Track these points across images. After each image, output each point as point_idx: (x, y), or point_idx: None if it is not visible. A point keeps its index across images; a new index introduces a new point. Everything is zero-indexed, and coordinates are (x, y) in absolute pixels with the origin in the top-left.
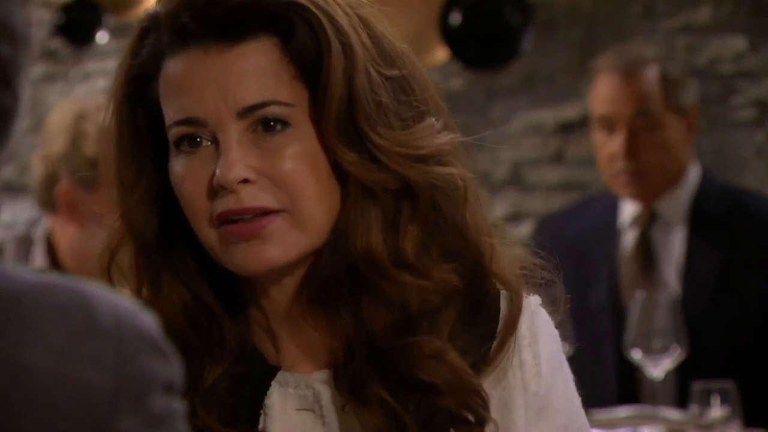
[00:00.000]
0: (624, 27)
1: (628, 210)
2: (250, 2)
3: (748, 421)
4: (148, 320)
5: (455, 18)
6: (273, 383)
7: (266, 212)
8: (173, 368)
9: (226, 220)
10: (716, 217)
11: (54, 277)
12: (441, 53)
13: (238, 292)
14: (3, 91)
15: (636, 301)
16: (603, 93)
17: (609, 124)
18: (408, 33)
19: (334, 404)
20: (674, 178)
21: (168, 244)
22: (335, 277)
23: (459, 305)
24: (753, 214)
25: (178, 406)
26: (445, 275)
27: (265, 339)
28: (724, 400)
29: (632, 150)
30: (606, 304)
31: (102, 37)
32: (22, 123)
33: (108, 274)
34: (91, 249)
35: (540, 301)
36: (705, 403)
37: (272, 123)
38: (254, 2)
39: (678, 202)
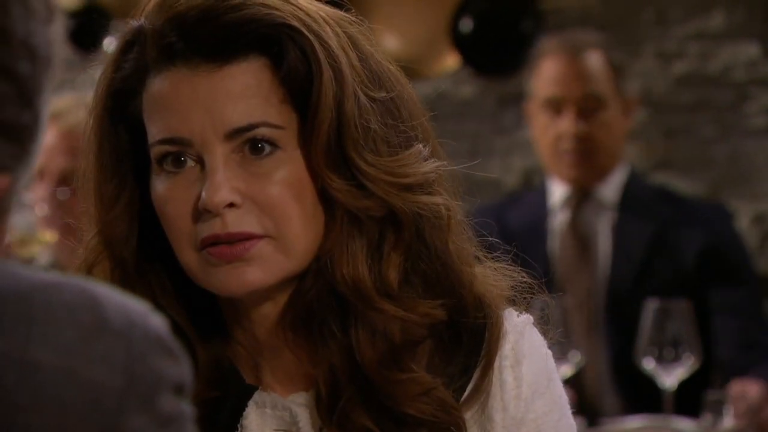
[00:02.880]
0: (636, 33)
1: (558, 192)
2: (241, 23)
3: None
4: (158, 321)
5: (466, 24)
6: (250, 403)
7: (250, 237)
8: (183, 370)
9: (209, 243)
10: (645, 202)
11: (62, 277)
12: (452, 60)
13: (219, 312)
14: (23, 108)
15: (648, 310)
16: (550, 75)
17: (556, 106)
18: (419, 39)
19: (313, 427)
20: (612, 162)
21: (145, 262)
22: (320, 304)
23: (440, 337)
24: (679, 201)
25: (187, 408)
26: (429, 309)
27: (245, 359)
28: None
29: (581, 130)
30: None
31: (110, 43)
32: (42, 141)
33: None
34: None
35: (531, 320)
36: (718, 412)
37: (260, 145)
38: (245, 23)
39: (611, 185)
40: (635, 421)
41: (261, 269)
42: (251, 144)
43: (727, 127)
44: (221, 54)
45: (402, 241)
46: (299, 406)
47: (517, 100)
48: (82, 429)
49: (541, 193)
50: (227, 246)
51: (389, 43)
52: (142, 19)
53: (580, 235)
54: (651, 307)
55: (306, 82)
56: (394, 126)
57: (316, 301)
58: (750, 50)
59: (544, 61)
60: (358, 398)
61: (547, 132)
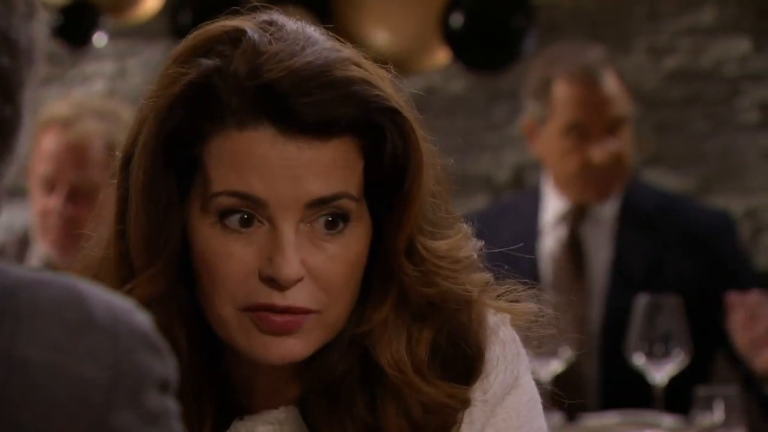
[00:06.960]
0: (628, 28)
1: (553, 208)
2: (344, 102)
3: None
4: (143, 318)
5: (457, 19)
6: None
7: (306, 312)
8: (169, 366)
9: (261, 309)
10: (646, 216)
11: (48, 274)
12: (442, 55)
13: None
14: (4, 102)
15: (638, 305)
16: (572, 99)
17: (582, 131)
18: (409, 34)
19: None
20: (629, 175)
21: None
22: (347, 379)
23: None
24: (682, 214)
25: (173, 405)
26: (455, 392)
27: (234, 385)
28: (728, 406)
29: (614, 159)
30: None
31: (99, 38)
32: (26, 136)
33: None
34: None
35: (506, 320)
36: (707, 408)
37: (337, 221)
38: (348, 103)
39: (610, 200)
40: (613, 416)
41: (304, 343)
42: (326, 218)
43: (718, 122)
44: (317, 131)
45: (437, 320)
46: (268, 424)
47: (508, 95)
48: (70, 424)
49: (534, 207)
50: (279, 316)
51: (380, 38)
52: (216, 61)
53: (575, 256)
54: (641, 302)
55: (394, 163)
56: (437, 206)
57: (346, 376)
58: (741, 45)
59: (560, 83)
60: None
61: (571, 157)
